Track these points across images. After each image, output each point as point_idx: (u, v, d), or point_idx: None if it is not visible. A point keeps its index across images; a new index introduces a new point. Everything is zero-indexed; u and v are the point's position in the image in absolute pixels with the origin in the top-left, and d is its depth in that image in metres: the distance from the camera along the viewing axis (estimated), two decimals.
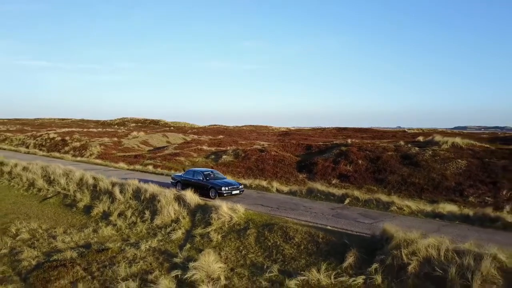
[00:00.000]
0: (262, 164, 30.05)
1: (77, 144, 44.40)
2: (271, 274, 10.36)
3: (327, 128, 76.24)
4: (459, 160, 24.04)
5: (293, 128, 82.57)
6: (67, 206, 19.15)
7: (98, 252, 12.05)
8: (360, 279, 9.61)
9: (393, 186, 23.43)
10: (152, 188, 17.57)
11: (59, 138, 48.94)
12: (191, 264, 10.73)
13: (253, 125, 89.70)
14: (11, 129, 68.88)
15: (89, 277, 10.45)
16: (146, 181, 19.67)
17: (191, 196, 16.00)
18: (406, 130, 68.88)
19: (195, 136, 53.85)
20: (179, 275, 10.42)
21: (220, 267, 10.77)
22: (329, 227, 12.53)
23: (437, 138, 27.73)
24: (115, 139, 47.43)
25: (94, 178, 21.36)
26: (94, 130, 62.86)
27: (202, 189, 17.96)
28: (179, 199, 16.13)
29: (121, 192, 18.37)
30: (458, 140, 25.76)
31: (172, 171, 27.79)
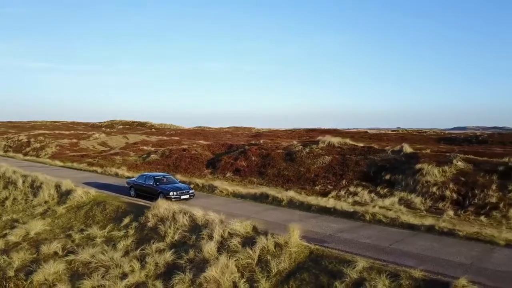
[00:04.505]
0: (180, 162, 34.57)
1: (38, 145, 49.18)
2: (72, 232, 14.93)
3: (298, 129, 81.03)
4: (326, 157, 28.46)
5: (273, 129, 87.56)
6: None
7: None
8: (122, 232, 14.17)
9: (269, 177, 27.90)
10: (43, 178, 22.14)
11: (26, 140, 53.70)
12: (20, 226, 15.31)
13: (236, 127, 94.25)
14: None
15: None
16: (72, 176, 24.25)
17: (66, 183, 20.57)
18: (368, 131, 73.46)
19: (165, 138, 58.43)
20: (7, 233, 15.01)
21: (43, 228, 15.35)
22: (140, 202, 17.09)
23: (325, 138, 32.11)
24: (74, 140, 52.17)
25: (14, 172, 25.97)
26: (66, 132, 67.57)
27: (152, 194, 17.78)
28: (57, 186, 20.71)
29: (23, 182, 22.98)
30: (333, 139, 30.17)
31: (98, 168, 32.44)
